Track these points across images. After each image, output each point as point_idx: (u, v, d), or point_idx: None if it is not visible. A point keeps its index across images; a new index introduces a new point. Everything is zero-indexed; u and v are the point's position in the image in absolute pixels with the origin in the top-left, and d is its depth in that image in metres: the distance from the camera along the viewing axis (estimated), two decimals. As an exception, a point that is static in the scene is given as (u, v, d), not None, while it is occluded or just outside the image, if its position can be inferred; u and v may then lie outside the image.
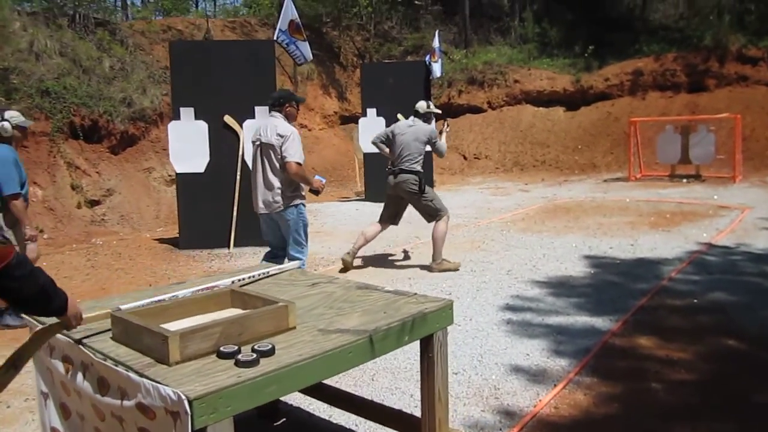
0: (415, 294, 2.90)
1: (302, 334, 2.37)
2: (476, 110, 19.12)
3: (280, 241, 5.58)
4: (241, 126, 8.36)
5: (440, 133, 7.35)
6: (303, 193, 5.51)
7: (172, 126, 8.37)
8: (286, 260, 5.38)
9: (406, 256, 7.74)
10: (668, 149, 13.49)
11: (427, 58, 12.13)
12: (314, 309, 2.69)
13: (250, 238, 8.27)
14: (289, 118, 5.46)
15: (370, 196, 12.33)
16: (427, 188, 6.87)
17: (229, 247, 8.35)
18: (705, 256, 6.95)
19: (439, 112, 7.49)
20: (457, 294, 5.92)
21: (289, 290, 3.00)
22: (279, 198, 5.32)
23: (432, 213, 6.86)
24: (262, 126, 5.48)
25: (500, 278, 6.42)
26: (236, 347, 2.17)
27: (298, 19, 9.73)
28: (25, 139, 5.74)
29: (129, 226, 10.77)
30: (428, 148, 6.98)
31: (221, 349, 2.16)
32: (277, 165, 5.29)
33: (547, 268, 6.77)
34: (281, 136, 5.24)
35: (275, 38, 9.49)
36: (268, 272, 3.28)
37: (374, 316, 2.56)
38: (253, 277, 3.16)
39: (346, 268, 6.83)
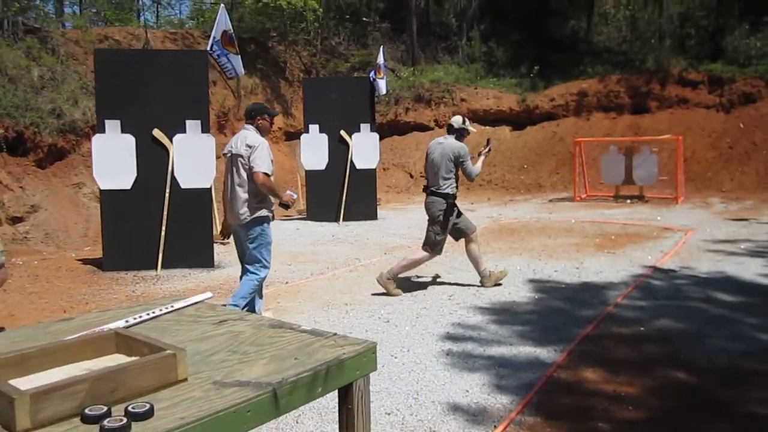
0: (335, 335, 2.53)
1: (193, 388, 1.97)
2: (423, 128, 18.97)
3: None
4: (171, 140, 7.88)
5: (479, 154, 6.87)
6: (272, 209, 5.41)
7: (97, 139, 7.84)
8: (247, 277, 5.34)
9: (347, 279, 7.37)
10: (612, 170, 13.52)
11: (372, 74, 11.87)
12: (215, 354, 2.30)
13: (180, 260, 7.80)
14: (261, 131, 5.38)
15: (312, 214, 11.95)
16: (448, 222, 6.48)
17: (156, 269, 7.83)
18: (650, 280, 6.78)
19: (474, 129, 6.98)
20: (396, 321, 5.58)
21: (191, 330, 2.60)
22: (245, 209, 5.22)
23: (429, 243, 6.55)
24: (234, 138, 5.44)
25: (442, 304, 6.11)
26: (106, 408, 1.76)
27: (232, 31, 9.33)
28: None
29: (54, 244, 10.10)
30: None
31: (86, 411, 1.75)
32: (245, 176, 5.20)
33: (490, 292, 6.49)
34: (249, 147, 5.16)
35: (209, 48, 9.03)
36: (171, 307, 2.87)
37: (283, 363, 2.18)
38: (153, 312, 2.75)
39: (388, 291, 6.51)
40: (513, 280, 6.99)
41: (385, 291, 6.48)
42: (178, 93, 7.81)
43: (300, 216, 12.44)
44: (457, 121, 6.66)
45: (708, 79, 16.87)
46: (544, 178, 16.22)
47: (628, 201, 13.38)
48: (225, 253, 8.92)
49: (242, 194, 5.22)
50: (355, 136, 11.75)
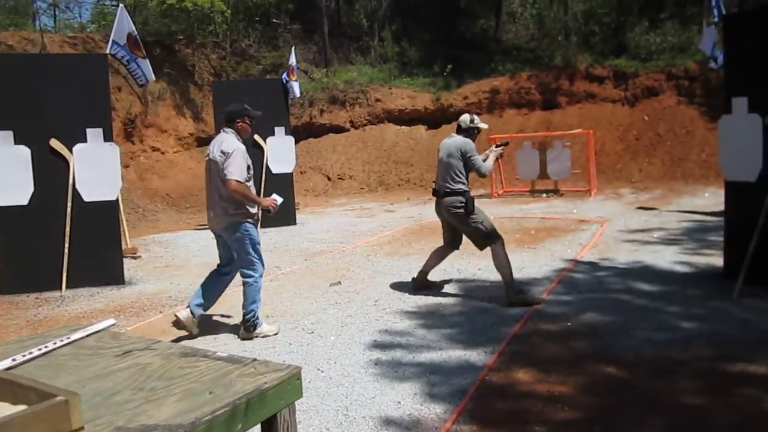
0: (254, 360, 2.28)
1: (90, 438, 1.70)
2: (339, 129, 18.76)
3: (229, 257, 5.44)
4: (71, 151, 7.36)
5: (491, 151, 6.48)
6: (252, 212, 5.26)
7: (-14, 152, 7.22)
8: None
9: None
10: (527, 165, 13.71)
11: (284, 75, 11.54)
12: (118, 393, 2.01)
13: (86, 279, 7.29)
14: (241, 134, 5.31)
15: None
16: (477, 209, 6.05)
17: (61, 289, 7.28)
18: (573, 274, 6.82)
19: (485, 126, 6.54)
20: (321, 332, 5.34)
21: (91, 365, 2.29)
22: (222, 215, 5.15)
23: (483, 238, 6.00)
24: (213, 142, 5.31)
25: (367, 310, 5.92)
26: (-20, 474, 1.47)
27: (136, 33, 8.86)
28: None
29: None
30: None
31: (-45, 480, 1.45)
32: (220, 181, 5.07)
33: (416, 295, 6.35)
34: (224, 153, 5.03)
35: (108, 50, 8.51)
36: (68, 339, 2.55)
37: (196, 399, 1.92)
38: (46, 347, 2.42)
39: (421, 286, 6.43)
40: (438, 280, 6.88)
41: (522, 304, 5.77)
42: (76, 99, 7.28)
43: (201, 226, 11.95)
44: (465, 120, 6.29)
45: (613, 74, 17.41)
46: (462, 176, 16.32)
47: (544, 195, 13.61)
48: (136, 268, 8.45)
49: (220, 199, 5.12)
50: (269, 140, 11.41)
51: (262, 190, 11.31)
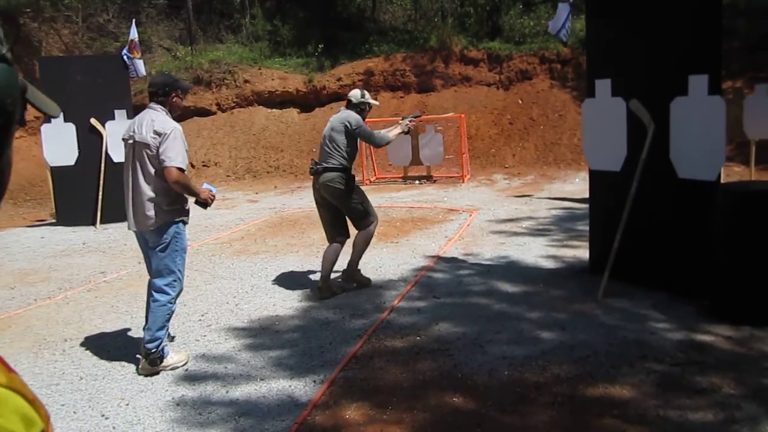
0: None
1: None
2: (204, 113, 17.43)
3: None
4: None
5: (402, 119, 5.98)
6: (186, 208, 4.29)
7: None
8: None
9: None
10: (399, 151, 13.05)
11: (125, 51, 10.23)
12: None
13: None
14: (174, 111, 4.28)
15: (63, 218, 10.16)
16: (358, 188, 5.73)
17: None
18: (432, 274, 6.17)
19: (377, 103, 6.18)
20: (123, 360, 4.38)
21: None
22: (153, 212, 4.09)
23: (362, 217, 5.65)
24: (137, 121, 4.22)
25: (189, 328, 5.00)
26: None
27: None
28: None
29: None
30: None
31: None
32: (152, 170, 4.08)
33: (252, 305, 5.49)
34: (158, 134, 4.03)
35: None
36: None
37: None
38: None
39: (324, 295, 5.56)
40: (282, 285, 6.05)
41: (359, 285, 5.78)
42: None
43: (52, 221, 10.56)
44: (355, 95, 5.75)
45: (488, 57, 17.09)
46: (334, 162, 15.51)
47: (417, 182, 13.05)
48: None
49: (150, 193, 4.09)
50: (108, 124, 10.10)
51: (101, 182, 10.06)
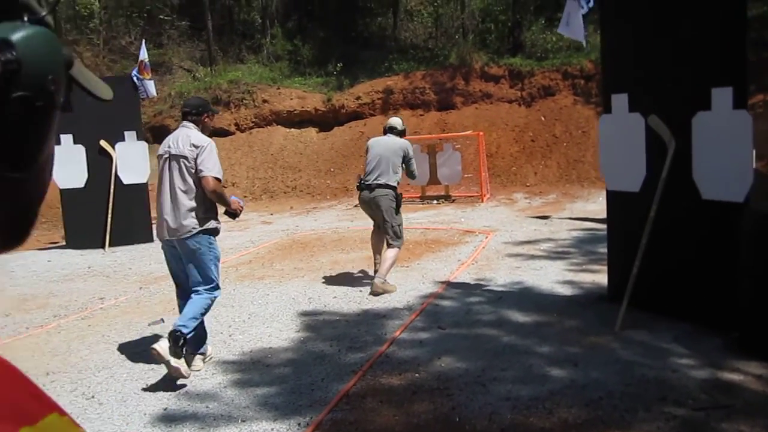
0: None
1: None
2: (223, 133, 17.33)
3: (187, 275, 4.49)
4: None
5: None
6: (219, 220, 4.55)
7: None
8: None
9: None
10: (417, 170, 12.73)
11: (134, 72, 10.11)
12: None
13: None
14: (205, 131, 4.59)
15: (72, 241, 10.01)
16: (400, 211, 6.47)
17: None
18: (440, 301, 5.82)
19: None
20: (103, 397, 4.12)
21: None
22: (190, 221, 4.31)
23: (395, 234, 6.31)
24: (173, 137, 4.54)
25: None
26: None
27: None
28: None
29: None
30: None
31: None
32: (190, 181, 4.34)
33: (247, 336, 5.19)
34: (196, 147, 4.33)
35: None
36: None
37: None
38: None
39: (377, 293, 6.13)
40: (282, 313, 5.75)
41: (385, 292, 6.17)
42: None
43: (61, 244, 10.43)
44: (399, 123, 6.71)
45: (509, 74, 16.77)
46: (351, 182, 15.20)
47: (435, 202, 12.72)
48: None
49: (187, 202, 4.32)
50: (119, 146, 9.98)
51: (111, 204, 9.91)
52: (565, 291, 5.93)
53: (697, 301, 4.72)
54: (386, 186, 6.23)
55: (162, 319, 5.78)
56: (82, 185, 9.93)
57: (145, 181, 10.17)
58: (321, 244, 9.19)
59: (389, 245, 6.25)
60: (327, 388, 4.04)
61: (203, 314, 4.40)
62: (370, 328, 5.15)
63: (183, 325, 4.18)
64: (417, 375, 4.16)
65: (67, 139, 9.84)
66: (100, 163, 9.96)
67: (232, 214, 4.63)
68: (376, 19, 22.99)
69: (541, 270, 6.74)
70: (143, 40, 10.95)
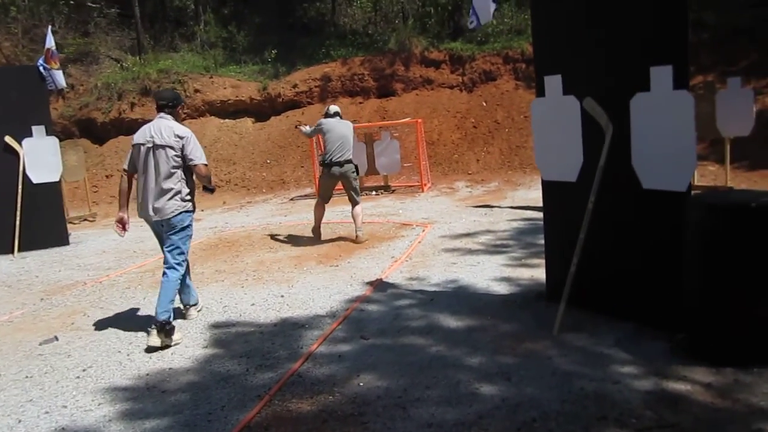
0: None
1: None
2: (153, 125, 16.48)
3: None
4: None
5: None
6: (193, 201, 5.14)
7: None
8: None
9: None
10: (353, 159, 12.20)
11: (40, 62, 9.27)
12: None
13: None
14: (178, 120, 5.10)
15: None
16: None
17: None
18: (366, 306, 5.32)
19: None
20: (-46, 444, 3.50)
21: None
22: (173, 203, 4.90)
23: (356, 193, 8.01)
24: (153, 127, 4.98)
25: (61, 390, 4.10)
26: None
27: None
28: None
29: None
30: None
31: None
32: (171, 168, 4.88)
33: (146, 355, 4.61)
34: (180, 138, 4.91)
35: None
36: None
37: None
38: None
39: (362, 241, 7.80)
40: (190, 326, 5.18)
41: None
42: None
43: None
44: (337, 108, 8.32)
45: (449, 58, 16.33)
46: (288, 174, 14.62)
47: (374, 193, 12.21)
48: None
49: (171, 186, 4.87)
50: (26, 142, 9.16)
51: (19, 205, 9.10)
52: (502, 289, 5.50)
53: (640, 299, 4.34)
54: (350, 161, 7.79)
55: (56, 337, 5.16)
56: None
57: (57, 180, 9.39)
58: (249, 242, 8.60)
59: (356, 202, 7.87)
60: (226, 418, 3.51)
61: (175, 293, 4.94)
62: (285, 341, 4.62)
63: (165, 312, 4.68)
64: (331, 398, 3.66)
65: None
66: (5, 161, 9.11)
67: (211, 189, 5.33)
68: (314, 4, 22.27)
69: (477, 266, 6.31)
70: (49, 27, 10.07)
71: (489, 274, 5.96)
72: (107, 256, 8.46)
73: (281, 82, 16.83)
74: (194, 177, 5.02)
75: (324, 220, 8.35)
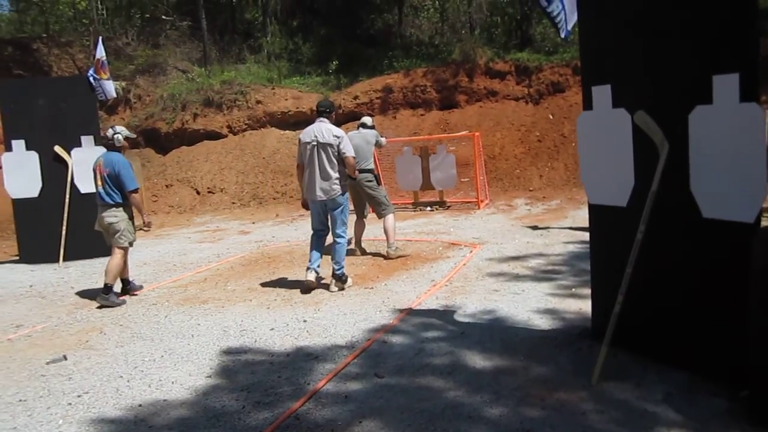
0: None
1: None
2: (215, 136, 16.58)
3: (325, 224, 6.54)
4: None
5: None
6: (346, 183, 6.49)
7: None
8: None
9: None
10: (408, 174, 11.81)
11: (91, 72, 9.28)
12: None
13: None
14: (332, 123, 6.46)
15: (26, 255, 9.24)
16: (381, 185, 8.10)
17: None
18: (390, 337, 4.86)
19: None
20: None
21: None
22: (336, 185, 6.28)
23: (380, 206, 7.85)
24: (315, 129, 6.36)
25: (47, 418, 3.82)
26: None
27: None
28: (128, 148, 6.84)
29: None
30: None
31: None
32: (334, 160, 6.25)
33: (145, 382, 4.29)
34: (337, 137, 6.29)
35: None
36: None
37: None
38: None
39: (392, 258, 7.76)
40: (202, 351, 4.85)
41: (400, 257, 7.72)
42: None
43: (13, 257, 9.65)
44: (369, 120, 8.42)
45: (515, 69, 15.72)
46: (344, 187, 14.32)
47: (428, 209, 11.75)
48: None
49: (334, 173, 6.27)
50: (75, 152, 9.18)
51: (66, 215, 9.11)
52: (543, 323, 4.94)
53: (696, 345, 3.72)
54: (365, 170, 7.71)
55: (64, 356, 4.93)
56: (36, 194, 9.15)
57: (103, 190, 9.34)
58: (290, 258, 8.29)
59: (380, 215, 7.78)
60: (205, 466, 3.13)
61: (344, 253, 6.43)
62: (293, 374, 4.22)
63: (339, 268, 6.34)
64: (325, 448, 3.23)
65: (18, 145, 9.10)
66: (55, 171, 9.16)
67: (354, 179, 6.81)
68: (381, 15, 22.02)
69: (521, 294, 5.76)
70: (99, 38, 10.10)
71: (532, 305, 5.40)
72: (146, 269, 8.31)
73: (342, 93, 16.61)
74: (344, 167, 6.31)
75: (371, 236, 8.05)
